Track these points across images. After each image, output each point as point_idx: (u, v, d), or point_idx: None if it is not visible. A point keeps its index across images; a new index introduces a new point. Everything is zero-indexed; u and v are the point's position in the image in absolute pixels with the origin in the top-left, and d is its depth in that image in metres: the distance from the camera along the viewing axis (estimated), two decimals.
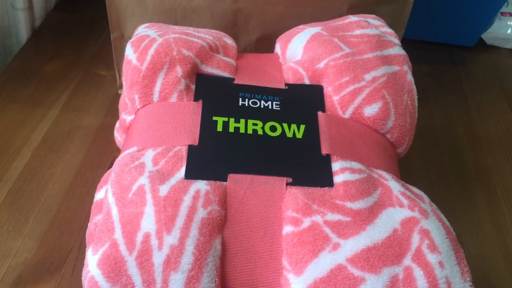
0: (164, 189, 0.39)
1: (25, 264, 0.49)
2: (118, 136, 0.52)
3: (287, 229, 0.39)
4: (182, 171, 0.41)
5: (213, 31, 0.53)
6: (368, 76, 0.47)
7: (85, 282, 0.37)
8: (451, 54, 0.85)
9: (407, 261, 0.38)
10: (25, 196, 0.55)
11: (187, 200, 0.38)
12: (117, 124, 0.52)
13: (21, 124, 0.64)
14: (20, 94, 0.68)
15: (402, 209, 0.40)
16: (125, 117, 0.48)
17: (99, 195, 0.43)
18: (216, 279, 0.37)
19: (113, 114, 0.66)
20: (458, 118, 0.72)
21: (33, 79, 0.70)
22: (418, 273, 0.37)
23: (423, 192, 0.44)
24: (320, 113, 0.46)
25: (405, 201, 0.41)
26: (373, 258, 0.37)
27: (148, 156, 0.42)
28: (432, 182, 0.62)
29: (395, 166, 0.48)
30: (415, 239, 0.38)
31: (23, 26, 0.76)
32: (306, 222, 0.38)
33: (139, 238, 0.37)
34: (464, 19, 0.83)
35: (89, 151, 0.61)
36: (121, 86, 0.69)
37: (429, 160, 0.65)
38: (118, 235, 0.37)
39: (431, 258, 0.38)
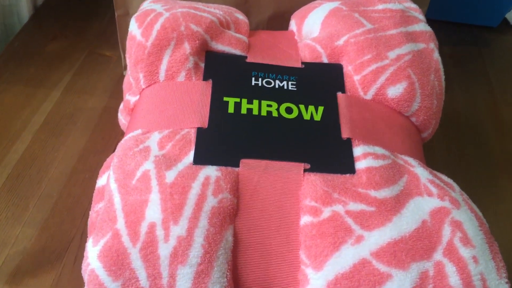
0: (171, 175, 0.36)
1: (24, 253, 0.47)
2: (122, 119, 0.49)
3: (305, 219, 0.35)
4: (190, 156, 0.37)
5: (224, 6, 0.50)
6: (391, 54, 0.44)
7: (85, 275, 0.34)
8: (473, 35, 0.81)
9: (438, 255, 0.34)
10: (25, 182, 0.52)
11: (196, 187, 0.35)
12: (121, 106, 0.49)
13: (22, 106, 0.61)
14: (21, 75, 0.65)
15: (431, 198, 0.37)
16: (130, 97, 0.45)
17: (101, 181, 0.40)
18: (228, 273, 0.34)
19: (118, 97, 0.63)
20: (482, 102, 0.68)
21: (35, 59, 0.67)
22: (450, 269, 0.34)
23: (452, 180, 0.40)
24: (339, 94, 0.43)
25: (434, 190, 0.37)
26: (400, 252, 0.34)
27: (154, 139, 0.39)
28: (454, 171, 0.59)
29: (421, 152, 0.44)
30: (446, 231, 0.35)
31: (24, 5, 0.72)
32: (326, 212, 0.35)
33: (144, 228, 0.34)
34: None
35: (93, 135, 0.58)
36: (126, 67, 0.65)
37: (451, 147, 0.62)
38: (120, 224, 0.34)
39: (464, 252, 0.34)
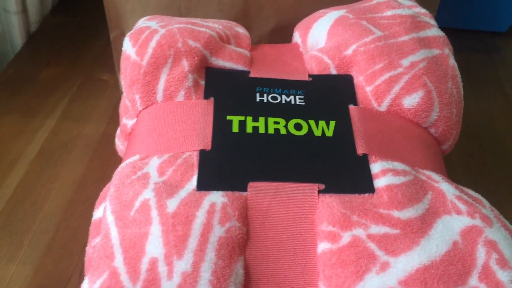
0: (172, 204, 0.32)
1: None
2: (120, 145, 0.46)
3: (323, 246, 0.32)
4: (193, 181, 0.34)
5: (223, 21, 0.47)
6: (405, 62, 0.41)
7: None
8: (482, 41, 0.78)
9: (473, 281, 0.31)
10: (19, 217, 0.49)
11: (200, 216, 0.32)
12: (118, 131, 0.46)
13: (16, 136, 0.58)
14: (14, 104, 0.62)
15: (460, 216, 0.33)
16: (126, 121, 0.42)
17: (97, 214, 0.37)
18: None
19: (117, 122, 0.60)
20: (497, 110, 0.65)
21: (29, 87, 0.65)
22: None
23: (480, 195, 0.37)
24: (351, 106, 0.39)
25: (462, 207, 0.34)
26: (431, 279, 0.30)
27: (153, 165, 0.35)
28: (476, 183, 0.55)
29: (442, 165, 0.41)
30: (481, 253, 0.31)
31: (17, 31, 0.70)
32: (346, 237, 0.32)
33: (144, 265, 0.30)
34: (495, 3, 0.76)
35: (91, 163, 0.55)
36: None
37: (470, 159, 0.58)
38: (118, 262, 0.31)
39: (502, 275, 0.31)
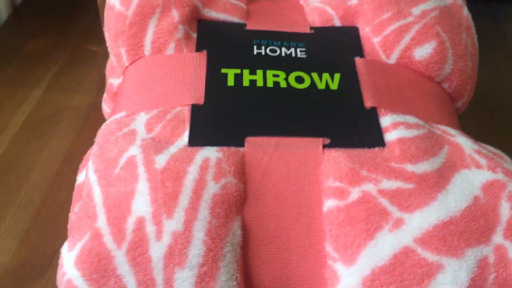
0: (161, 160, 0.29)
1: (1, 270, 0.40)
2: (106, 108, 0.42)
3: (329, 204, 0.29)
4: (184, 137, 0.31)
5: None
6: (415, 10, 0.37)
7: (60, 287, 0.28)
8: (491, 10, 0.75)
9: (498, 238, 0.28)
10: (2, 190, 0.46)
11: (192, 172, 0.29)
12: (105, 94, 0.42)
13: (0, 107, 0.54)
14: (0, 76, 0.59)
15: (481, 170, 0.30)
16: (112, 81, 0.39)
17: (81, 177, 0.34)
18: (238, 275, 0.27)
19: None
20: (508, 77, 0.62)
21: (14, 59, 0.61)
22: None
23: (500, 151, 0.34)
24: (358, 58, 0.36)
25: (482, 161, 0.31)
26: (451, 236, 0.27)
27: (140, 121, 0.32)
28: None
29: (457, 123, 0.37)
30: (504, 208, 0.28)
31: (2, 3, 0.67)
32: (355, 193, 0.28)
33: (130, 225, 0.27)
34: None
35: (79, 134, 0.52)
36: None
37: (482, 127, 0.55)
38: (101, 222, 0.28)
39: None
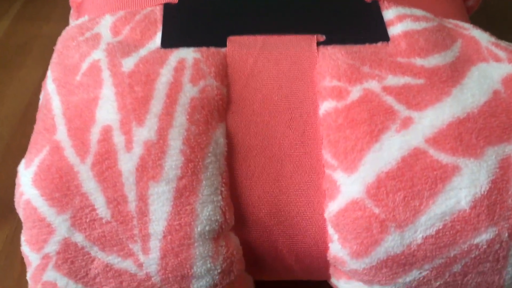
0: (129, 63, 0.25)
1: None
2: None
3: (326, 106, 0.25)
4: (157, 39, 0.27)
5: None
6: None
7: (19, 210, 0.24)
8: None
9: None
10: None
11: (166, 74, 0.24)
12: (72, 10, 0.38)
13: None
14: None
15: (500, 63, 0.26)
16: None
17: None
18: (223, 189, 0.24)
19: None
20: None
21: None
22: None
23: None
24: None
25: (501, 54, 0.27)
26: (468, 134, 0.23)
27: (105, 24, 0.28)
28: None
29: (468, 21, 0.33)
30: None
31: None
32: (355, 92, 0.25)
33: (95, 135, 0.23)
34: None
35: None
36: None
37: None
38: (61, 134, 0.24)
39: None
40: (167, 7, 0.28)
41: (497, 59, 0.26)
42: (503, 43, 0.28)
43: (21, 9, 0.53)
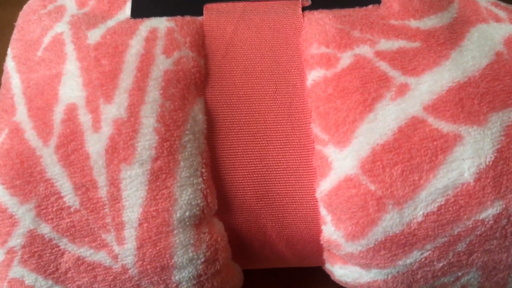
0: (95, 35, 0.23)
1: None
2: None
3: (315, 75, 0.23)
4: (126, 10, 0.24)
5: None
6: None
7: None
8: None
9: None
10: None
11: (135, 46, 0.22)
12: None
13: None
14: None
15: (501, 24, 0.24)
16: None
17: None
18: (203, 170, 0.21)
19: None
20: None
21: None
22: None
23: None
24: None
25: (502, 13, 0.25)
26: (470, 99, 0.21)
27: None
28: None
29: None
30: None
31: None
32: (346, 59, 0.22)
33: (58, 115, 0.21)
34: None
35: None
36: None
37: None
38: (21, 115, 0.21)
39: None
40: None
41: (498, 19, 0.24)
42: (503, 3, 0.26)
43: None
